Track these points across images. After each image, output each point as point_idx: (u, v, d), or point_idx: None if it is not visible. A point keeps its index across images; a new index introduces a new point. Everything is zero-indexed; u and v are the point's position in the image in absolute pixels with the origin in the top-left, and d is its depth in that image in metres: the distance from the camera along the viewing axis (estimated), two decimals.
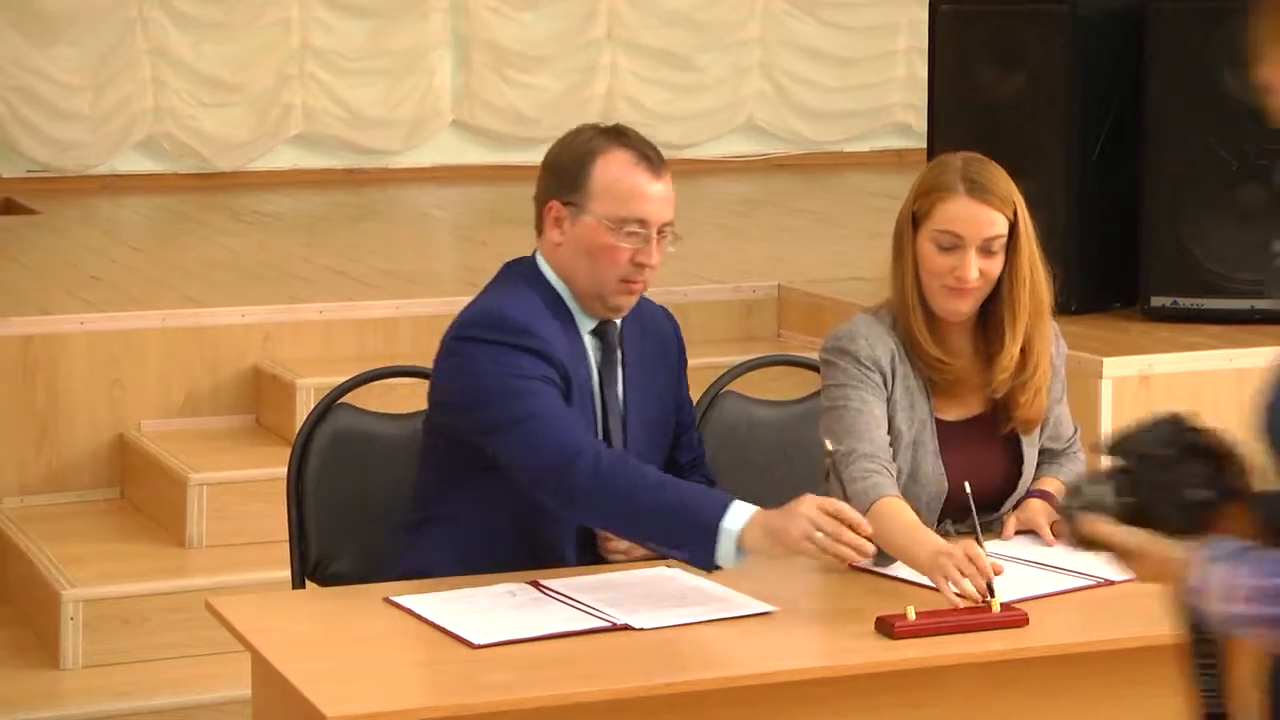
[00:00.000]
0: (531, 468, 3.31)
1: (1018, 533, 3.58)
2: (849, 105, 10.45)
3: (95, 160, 9.23)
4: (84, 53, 9.13)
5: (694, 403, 3.79)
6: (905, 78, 10.44)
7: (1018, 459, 3.63)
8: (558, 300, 3.47)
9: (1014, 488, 3.64)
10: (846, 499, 3.26)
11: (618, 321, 3.52)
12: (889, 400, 3.53)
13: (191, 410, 5.96)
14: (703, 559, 3.17)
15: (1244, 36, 6.03)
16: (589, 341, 3.49)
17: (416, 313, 6.18)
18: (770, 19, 10.34)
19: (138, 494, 5.79)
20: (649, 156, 3.45)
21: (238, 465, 5.57)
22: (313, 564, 3.70)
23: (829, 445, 3.36)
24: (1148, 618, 3.17)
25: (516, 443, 3.32)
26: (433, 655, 2.99)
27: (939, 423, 3.57)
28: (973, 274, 3.46)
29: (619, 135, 3.48)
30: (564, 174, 3.45)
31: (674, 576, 3.30)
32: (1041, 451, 3.71)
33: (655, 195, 3.43)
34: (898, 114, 10.52)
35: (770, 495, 3.90)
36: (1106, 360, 5.14)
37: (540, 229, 3.50)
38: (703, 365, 5.25)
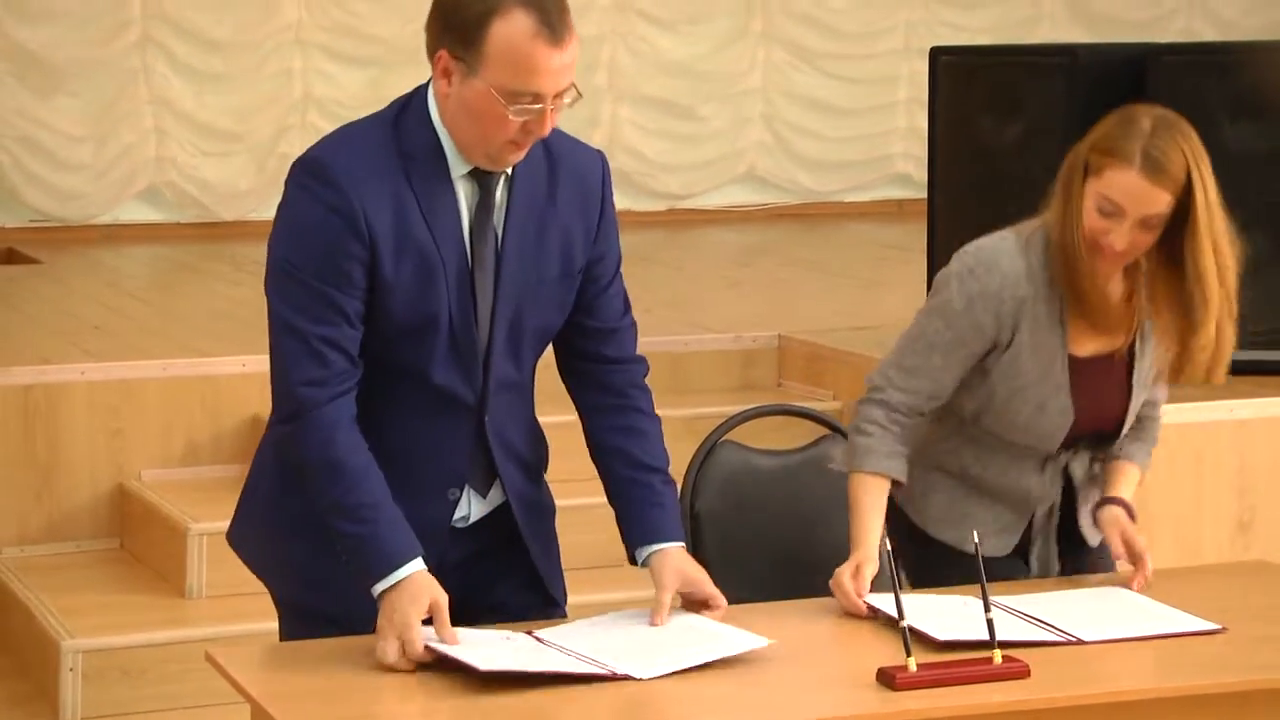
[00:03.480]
0: (273, 367, 3.21)
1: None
2: (850, 155, 10.48)
3: (97, 210, 9.25)
4: (86, 103, 9.17)
5: (629, 304, 3.44)
6: (906, 128, 10.47)
7: (1129, 396, 3.68)
8: (431, 142, 3.21)
9: (1121, 427, 3.69)
10: None
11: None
12: (1005, 341, 3.56)
13: (192, 460, 5.96)
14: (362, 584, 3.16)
15: (1244, 87, 6.04)
16: (463, 186, 3.25)
17: None
18: (771, 69, 10.38)
19: (137, 544, 5.78)
20: (550, 22, 3.08)
21: None
22: None
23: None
24: (1150, 671, 3.17)
25: (271, 342, 3.21)
26: (433, 705, 2.98)
27: (1070, 359, 3.60)
28: (1121, 245, 3.48)
29: None
30: (458, 26, 3.12)
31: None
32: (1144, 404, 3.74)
33: (554, 68, 3.08)
34: (898, 164, 10.55)
35: (769, 545, 3.90)
36: None
37: (433, 69, 3.22)
38: (702, 415, 5.27)
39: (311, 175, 3.19)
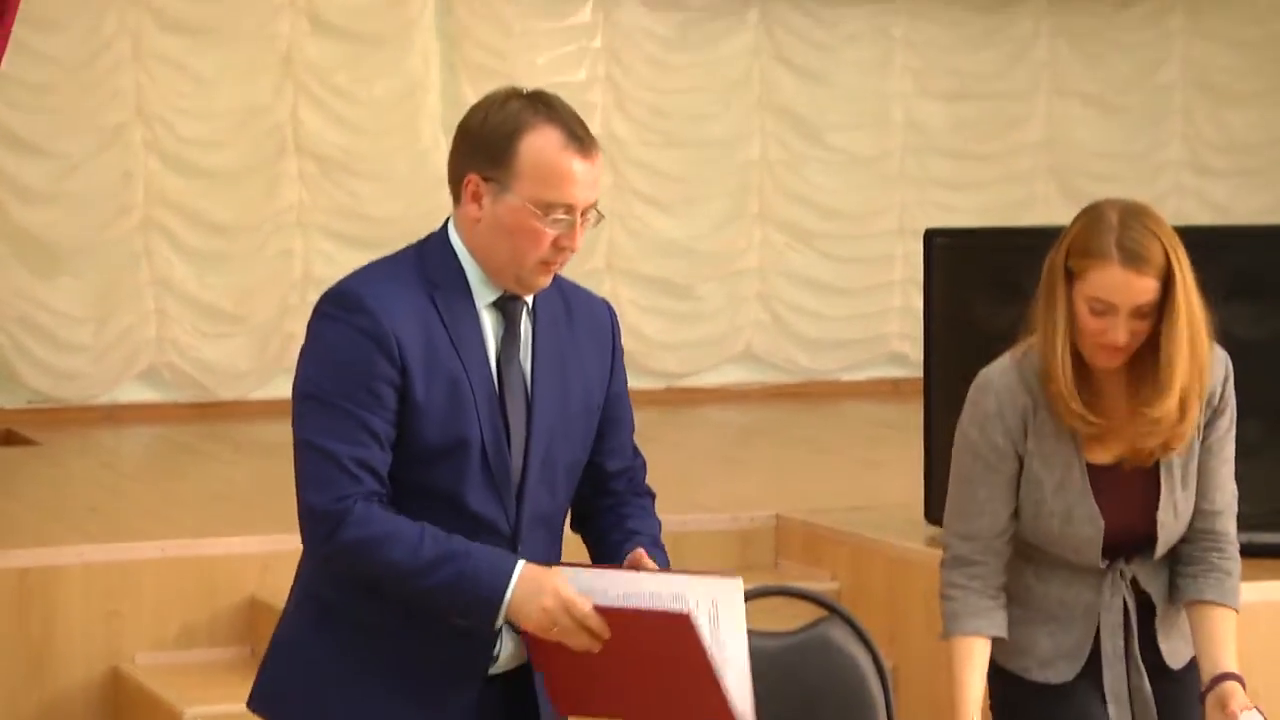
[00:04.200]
0: (301, 495, 3.25)
1: None
2: (846, 335, 10.53)
3: (97, 390, 9.27)
4: (87, 284, 9.22)
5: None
6: (901, 308, 10.53)
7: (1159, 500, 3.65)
8: (456, 272, 3.27)
9: (1159, 532, 3.66)
10: None
11: (528, 297, 3.31)
12: (1024, 453, 3.59)
13: (188, 642, 5.92)
14: (485, 627, 3.17)
15: (1238, 271, 6.04)
16: (488, 316, 3.28)
17: None
18: (768, 249, 10.46)
19: None
20: (579, 135, 3.22)
21: (233, 699, 5.45)
22: None
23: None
24: None
25: (298, 470, 3.27)
26: None
27: (1090, 467, 3.60)
28: (1123, 339, 3.49)
29: (547, 107, 3.23)
30: (487, 147, 3.22)
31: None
32: (1196, 514, 3.73)
33: (584, 179, 3.23)
34: (894, 343, 10.60)
35: None
36: None
37: (456, 199, 3.29)
38: None
39: (339, 305, 3.27)
